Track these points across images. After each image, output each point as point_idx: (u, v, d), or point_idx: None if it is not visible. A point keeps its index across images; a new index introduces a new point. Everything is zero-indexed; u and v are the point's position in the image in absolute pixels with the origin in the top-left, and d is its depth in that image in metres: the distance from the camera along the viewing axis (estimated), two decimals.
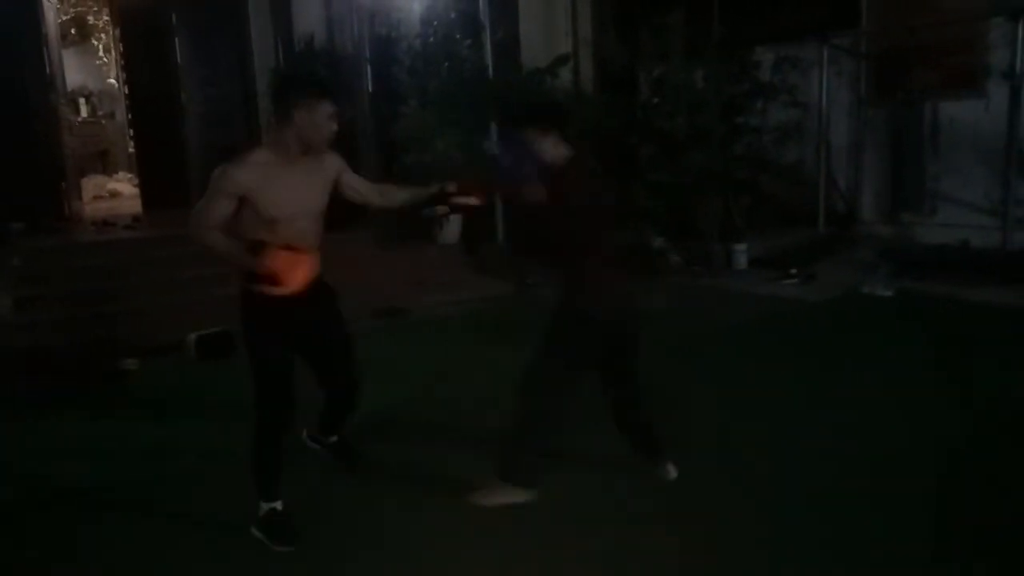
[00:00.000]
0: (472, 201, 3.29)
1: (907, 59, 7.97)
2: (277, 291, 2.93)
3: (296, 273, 2.96)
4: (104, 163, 12.04)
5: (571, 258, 3.12)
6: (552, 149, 3.13)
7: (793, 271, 7.08)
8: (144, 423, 4.43)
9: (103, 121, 12.55)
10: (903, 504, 3.13)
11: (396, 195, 3.46)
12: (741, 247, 7.55)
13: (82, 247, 7.05)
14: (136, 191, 9.62)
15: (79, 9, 12.42)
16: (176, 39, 8.55)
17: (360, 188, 3.33)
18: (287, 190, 2.93)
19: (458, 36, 8.11)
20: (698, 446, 3.72)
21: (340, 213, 3.30)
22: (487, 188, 3.36)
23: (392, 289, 6.80)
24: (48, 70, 8.00)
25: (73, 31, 12.51)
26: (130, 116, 9.77)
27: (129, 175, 11.13)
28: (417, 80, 8.07)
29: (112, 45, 11.97)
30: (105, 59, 12.79)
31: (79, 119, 12.01)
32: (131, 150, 10.35)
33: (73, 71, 11.57)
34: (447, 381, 4.88)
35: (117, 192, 10.98)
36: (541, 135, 3.13)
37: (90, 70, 12.93)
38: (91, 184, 10.82)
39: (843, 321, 5.92)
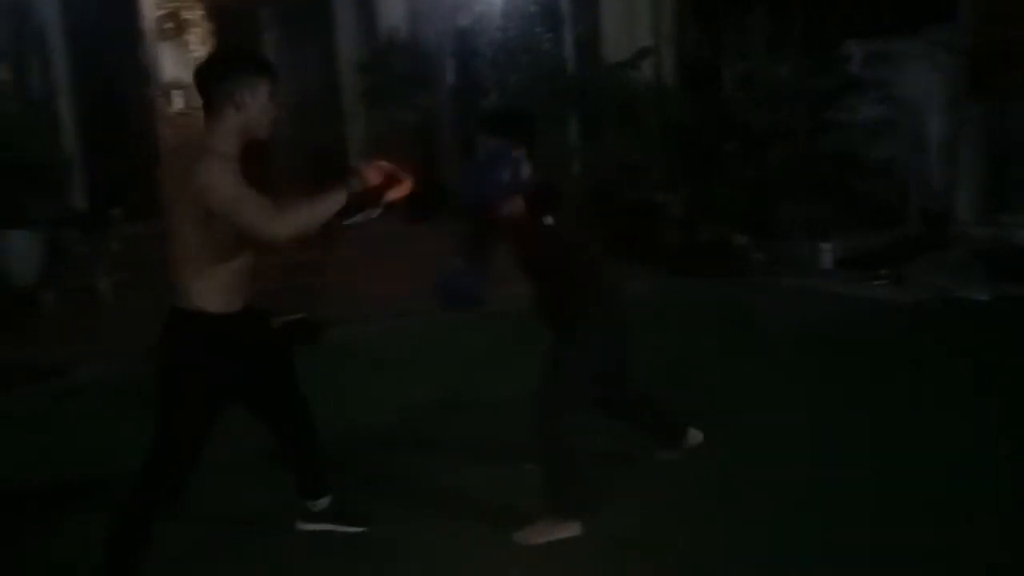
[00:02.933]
0: (401, 189, 2.63)
1: (1007, 53, 7.59)
2: (401, 193, 2.56)
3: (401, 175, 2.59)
4: None
5: (565, 276, 3.03)
6: (524, 164, 2.95)
7: (882, 272, 6.84)
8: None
9: (195, 113, 13.00)
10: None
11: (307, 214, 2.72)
12: (827, 246, 7.32)
13: None
14: None
15: (175, 4, 12.87)
16: (264, 34, 8.80)
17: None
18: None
19: (538, 30, 8.10)
20: (777, 451, 3.64)
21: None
22: (412, 164, 2.76)
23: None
24: (145, 63, 8.34)
25: (169, 25, 12.98)
26: None
27: None
28: (497, 73, 8.10)
29: (205, 39, 12.37)
30: (198, 53, 13.23)
31: (173, 111, 12.45)
32: None
33: (168, 64, 12.01)
34: (498, 377, 4.80)
35: None
36: (514, 147, 2.92)
37: (185, 63, 13.39)
38: None
39: (934, 325, 5.69)
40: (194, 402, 2.55)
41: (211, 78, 2.51)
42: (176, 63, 13.08)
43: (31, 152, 6.23)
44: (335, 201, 2.47)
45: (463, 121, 8.15)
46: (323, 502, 3.02)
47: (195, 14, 12.82)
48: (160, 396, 2.55)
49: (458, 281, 3.04)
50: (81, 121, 7.43)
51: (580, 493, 3.00)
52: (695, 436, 3.56)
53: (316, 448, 2.98)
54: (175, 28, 13.18)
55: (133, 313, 5.70)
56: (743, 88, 7.96)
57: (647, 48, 8.42)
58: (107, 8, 7.87)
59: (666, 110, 7.80)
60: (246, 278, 2.61)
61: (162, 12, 12.10)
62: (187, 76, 12.96)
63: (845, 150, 7.96)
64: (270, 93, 2.53)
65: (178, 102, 12.99)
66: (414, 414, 4.32)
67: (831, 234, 7.42)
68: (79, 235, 6.73)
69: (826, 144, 7.88)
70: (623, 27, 8.76)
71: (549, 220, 2.91)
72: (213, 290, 2.51)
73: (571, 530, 2.95)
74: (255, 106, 2.49)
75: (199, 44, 13.12)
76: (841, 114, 7.90)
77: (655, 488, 3.34)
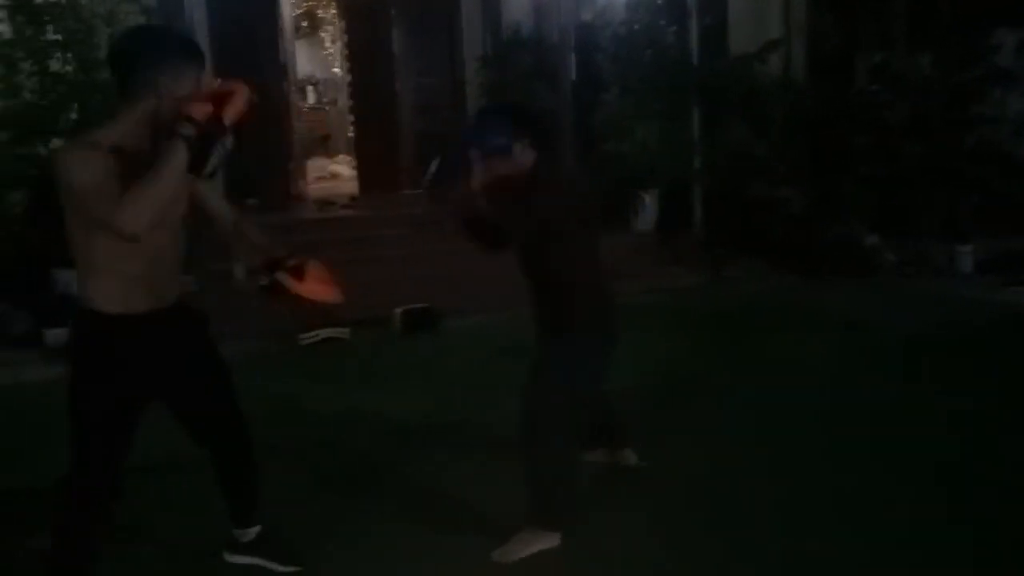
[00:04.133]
0: (236, 101, 2.19)
1: None
2: (238, 105, 2.19)
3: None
4: (326, 147, 12.98)
5: (562, 262, 2.85)
6: (522, 156, 2.80)
7: None
8: (345, 388, 4.78)
9: (327, 108, 13.53)
10: None
11: (249, 233, 2.66)
12: (966, 248, 6.89)
13: (305, 223, 7.69)
14: (354, 173, 10.30)
15: (310, 3, 13.44)
16: (394, 30, 9.07)
17: (215, 202, 2.56)
18: None
19: (663, 23, 8.00)
20: (901, 465, 3.48)
21: None
22: (335, 284, 2.58)
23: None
24: (282, 60, 8.76)
25: (304, 23, 13.56)
26: (351, 103, 10.48)
27: (348, 158, 11.93)
28: (620, 68, 8.05)
29: (337, 37, 12.85)
30: (331, 50, 13.76)
31: (306, 106, 13.01)
32: (350, 135, 11.08)
33: (303, 60, 12.57)
34: (612, 371, 4.78)
35: (337, 174, 11.80)
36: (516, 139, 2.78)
37: (317, 60, 13.97)
38: (314, 166, 11.69)
39: None
40: (91, 410, 2.28)
41: (128, 59, 2.20)
42: (310, 60, 13.71)
43: None
44: (173, 159, 2.07)
45: (582, 116, 8.14)
46: (252, 531, 2.76)
47: (329, 12, 13.37)
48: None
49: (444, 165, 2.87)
50: None
51: (567, 502, 2.88)
52: (631, 456, 3.45)
53: (248, 470, 2.68)
54: (310, 26, 13.79)
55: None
56: (878, 80, 7.61)
57: (776, 40, 8.17)
58: (249, 8, 8.30)
59: (793, 103, 7.54)
60: (159, 275, 2.30)
61: (299, 11, 12.69)
62: (320, 72, 13.60)
63: (990, 147, 7.48)
64: (199, 81, 2.24)
65: (311, 97, 13.61)
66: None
67: (971, 236, 6.99)
68: None
69: (969, 140, 7.43)
70: (751, 18, 8.52)
71: (537, 200, 2.73)
72: (108, 288, 2.23)
73: (551, 541, 2.84)
74: (172, 93, 2.16)
75: (332, 41, 13.68)
76: (987, 108, 7.43)
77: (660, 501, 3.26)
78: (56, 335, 5.66)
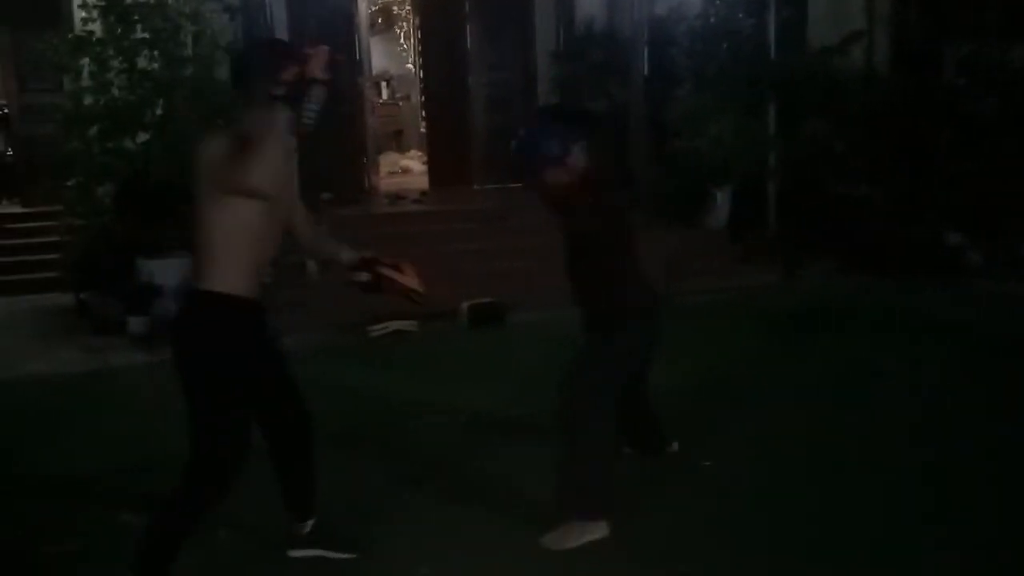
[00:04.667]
0: (404, 282, 2.72)
1: None
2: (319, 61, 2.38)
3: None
4: (398, 142, 13.16)
5: (608, 260, 2.98)
6: (578, 160, 2.92)
7: None
8: (413, 380, 4.84)
9: (400, 103, 13.71)
10: None
11: (323, 240, 2.93)
12: None
13: (377, 217, 7.81)
14: (424, 168, 10.41)
15: (386, 0, 13.63)
16: (468, 26, 9.11)
17: (299, 216, 2.73)
18: (279, 172, 2.37)
19: (740, 15, 7.85)
20: (977, 475, 3.35)
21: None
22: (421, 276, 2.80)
23: (649, 273, 6.77)
24: (358, 56, 8.91)
25: (380, 20, 13.76)
26: (423, 99, 10.59)
27: (419, 153, 12.07)
28: (694, 62, 7.93)
29: (411, 33, 13.01)
30: (405, 46, 13.93)
31: (380, 101, 13.20)
32: (422, 130, 11.21)
33: (377, 56, 12.75)
34: (680, 370, 4.64)
35: (408, 169, 11.95)
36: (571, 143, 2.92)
37: (391, 56, 14.16)
38: (386, 161, 11.86)
39: None
40: (228, 388, 2.42)
41: (242, 68, 2.48)
42: (384, 56, 13.91)
43: None
44: (272, 118, 2.28)
45: (655, 111, 8.05)
46: (310, 524, 2.82)
47: (404, 8, 13.54)
48: (188, 386, 2.41)
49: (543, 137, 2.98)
50: None
51: (607, 492, 2.91)
52: (673, 446, 3.49)
53: (308, 464, 2.75)
54: (385, 22, 13.99)
55: (335, 289, 6.14)
56: (967, 72, 7.31)
57: (858, 31, 7.94)
58: (327, 5, 8.46)
59: (875, 97, 7.30)
60: (263, 264, 2.48)
61: (374, 7, 12.89)
62: (394, 68, 13.76)
63: None
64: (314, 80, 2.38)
65: (384, 93, 13.81)
66: None
67: None
68: None
69: None
70: (832, 10, 8.30)
71: (598, 204, 2.89)
72: (239, 272, 2.40)
73: (601, 531, 2.86)
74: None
75: (406, 37, 13.85)
76: None
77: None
78: (139, 323, 5.91)
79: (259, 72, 2.38)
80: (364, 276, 2.76)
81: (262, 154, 2.23)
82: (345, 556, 2.84)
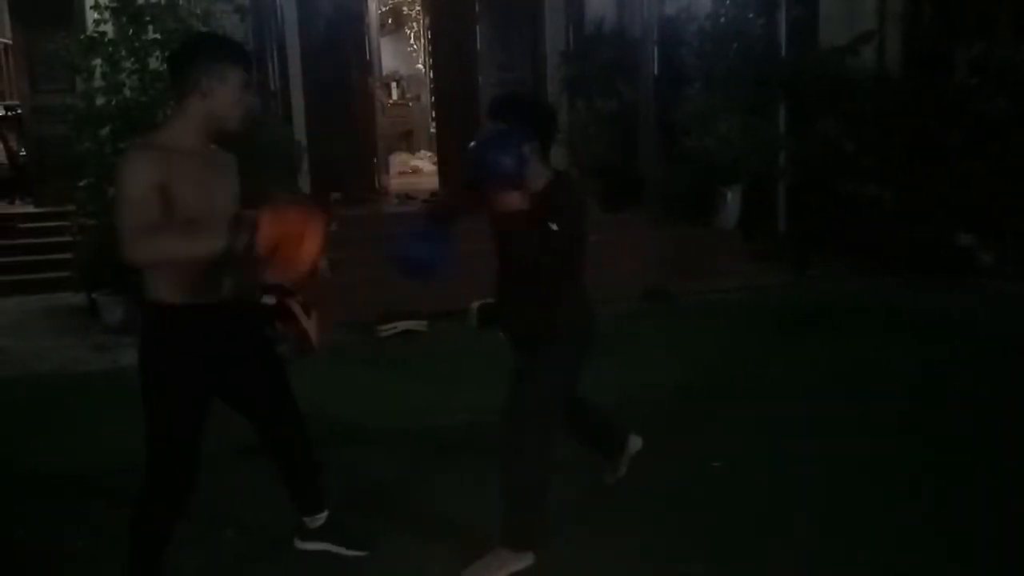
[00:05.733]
0: (303, 325, 2.60)
1: None
2: (282, 274, 2.28)
3: (305, 244, 2.20)
4: (408, 142, 13.18)
5: (556, 279, 2.71)
6: (533, 161, 2.62)
7: None
8: (420, 379, 4.85)
9: (410, 104, 13.74)
10: None
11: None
12: None
13: (387, 217, 7.83)
14: (434, 169, 10.43)
15: (396, 0, 13.66)
16: (478, 26, 9.12)
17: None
18: (199, 186, 2.26)
19: (751, 15, 7.83)
20: (992, 473, 3.33)
21: (616, 192, 3.25)
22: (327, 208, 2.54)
23: (661, 271, 6.78)
24: (368, 56, 8.93)
25: (390, 20, 13.79)
26: (433, 99, 10.60)
27: (429, 154, 12.08)
28: (704, 61, 7.92)
29: (421, 33, 13.03)
30: (415, 46, 13.96)
31: (390, 101, 13.23)
32: (432, 131, 11.22)
33: (387, 57, 12.79)
34: (690, 370, 4.74)
35: (418, 169, 11.97)
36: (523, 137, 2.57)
37: (402, 56, 14.19)
38: (397, 161, 11.88)
39: None
40: (166, 398, 2.37)
41: (179, 64, 2.33)
42: (394, 56, 13.94)
43: (268, 140, 6.85)
44: (205, 246, 2.16)
45: (664, 111, 8.04)
46: (320, 518, 2.83)
47: (414, 9, 13.57)
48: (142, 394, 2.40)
49: (416, 247, 2.76)
50: (309, 111, 8.07)
51: (541, 521, 2.78)
52: (635, 443, 3.29)
53: (307, 460, 2.74)
54: (395, 23, 14.02)
55: (347, 288, 6.17)
56: (978, 72, 7.27)
57: (869, 31, 7.91)
58: (337, 5, 8.49)
59: (886, 96, 7.27)
60: (221, 268, 2.30)
61: (384, 8, 12.92)
62: (404, 68, 13.77)
63: None
64: (243, 82, 2.33)
65: (394, 93, 13.84)
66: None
67: None
68: None
69: None
70: (843, 9, 8.27)
71: (552, 225, 2.55)
72: (173, 279, 2.29)
73: (525, 561, 2.74)
74: (223, 95, 2.29)
75: (416, 38, 13.89)
76: None
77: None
78: None
79: (199, 72, 2.27)
80: (271, 300, 2.64)
81: (163, 249, 2.17)
82: (354, 553, 2.84)
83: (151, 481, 2.42)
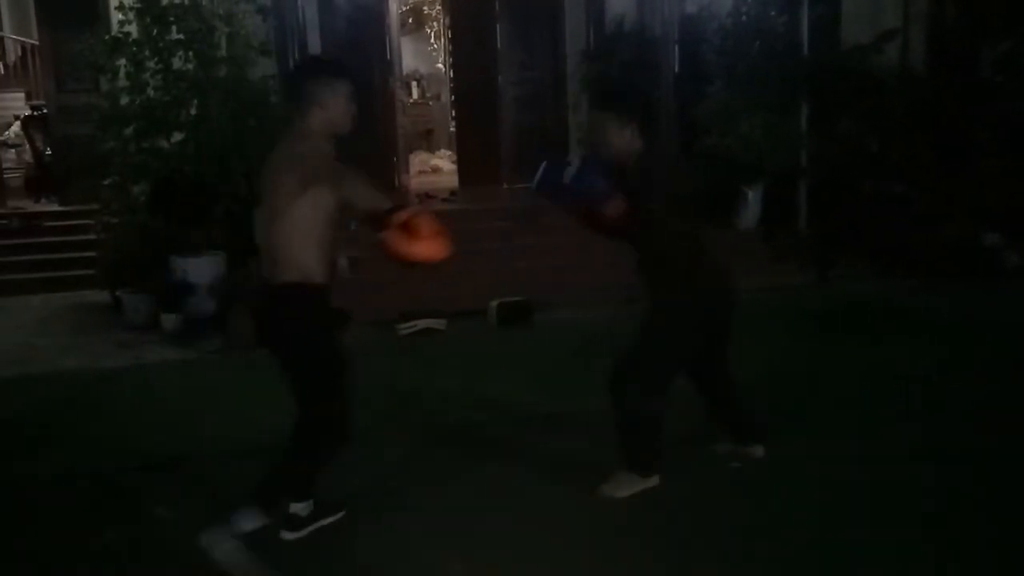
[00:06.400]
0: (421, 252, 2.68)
1: None
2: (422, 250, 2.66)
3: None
4: (428, 141, 13.20)
5: (669, 249, 3.06)
6: (628, 143, 2.99)
7: None
8: (440, 376, 4.86)
9: (430, 103, 13.76)
10: None
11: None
12: None
13: None
14: (454, 167, 10.44)
15: (417, 0, 13.69)
16: (498, 25, 9.12)
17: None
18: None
19: (773, 13, 7.78)
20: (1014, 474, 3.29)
21: None
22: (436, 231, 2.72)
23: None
24: (388, 55, 8.97)
25: (410, 20, 13.82)
26: (453, 98, 10.62)
27: (449, 152, 12.09)
28: (726, 60, 7.87)
29: (442, 32, 13.04)
30: (435, 45, 13.98)
31: (410, 100, 13.26)
32: (452, 130, 11.23)
33: (408, 56, 12.81)
34: None
35: (438, 168, 11.98)
36: (619, 125, 2.98)
37: (422, 56, 14.21)
38: (417, 160, 11.90)
39: None
40: (332, 361, 2.82)
41: (298, 82, 2.80)
42: (415, 55, 13.96)
43: None
44: (384, 202, 2.67)
45: (684, 109, 8.01)
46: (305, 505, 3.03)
47: (434, 9, 13.59)
48: (289, 369, 2.80)
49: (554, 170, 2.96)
50: None
51: (658, 450, 3.17)
52: (758, 450, 3.46)
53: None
54: (415, 22, 14.05)
55: (365, 286, 6.20)
56: (1004, 70, 7.18)
57: (893, 29, 7.82)
58: (358, 6, 8.53)
59: (910, 95, 7.19)
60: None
61: (405, 7, 12.95)
62: (424, 67, 13.79)
63: None
64: (350, 93, 2.74)
65: (415, 92, 13.87)
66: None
67: None
68: None
69: None
70: (867, 7, 8.20)
71: (651, 209, 2.93)
72: (324, 263, 2.74)
73: (652, 482, 3.17)
74: (335, 105, 2.71)
75: (436, 37, 13.90)
76: None
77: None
78: (172, 320, 5.99)
79: (313, 88, 2.70)
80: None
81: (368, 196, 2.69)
82: (335, 518, 3.02)
83: (316, 433, 2.83)
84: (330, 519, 3.01)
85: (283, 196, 2.66)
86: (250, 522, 2.77)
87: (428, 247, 2.69)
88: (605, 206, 2.88)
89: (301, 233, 2.66)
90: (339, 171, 2.68)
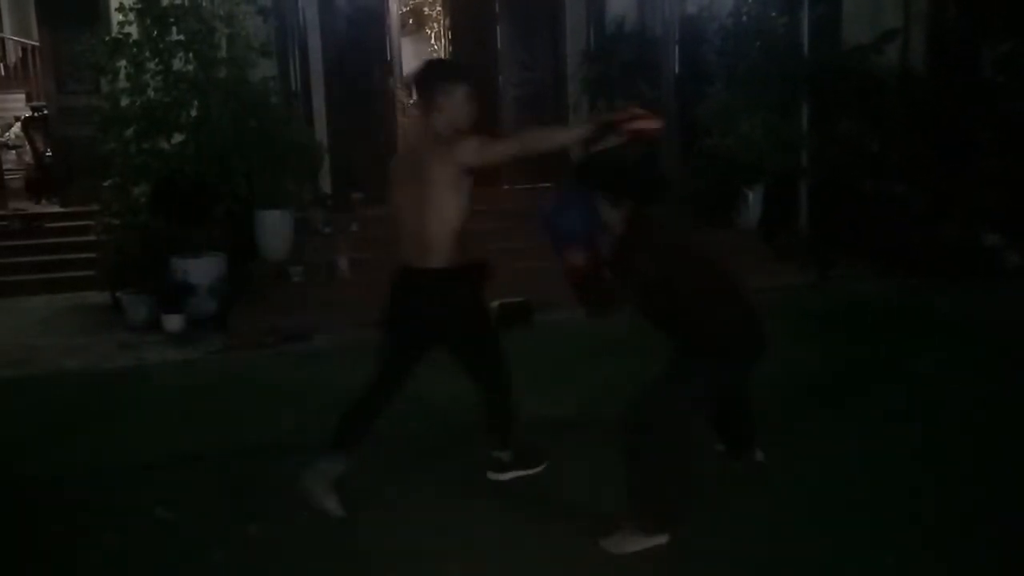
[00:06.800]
0: (650, 124, 2.79)
1: None
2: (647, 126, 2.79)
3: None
4: None
5: (680, 313, 2.83)
6: (619, 222, 2.83)
7: None
8: (442, 377, 4.83)
9: None
10: None
11: (543, 137, 3.19)
12: None
13: None
14: None
15: (417, 1, 13.69)
16: (498, 26, 9.13)
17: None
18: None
19: (773, 14, 7.78)
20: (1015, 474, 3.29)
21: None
22: (659, 112, 2.93)
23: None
24: (389, 57, 8.97)
25: (411, 21, 13.83)
26: None
27: None
28: (726, 60, 7.88)
29: (442, 33, 13.04)
30: (435, 46, 13.98)
31: (411, 101, 13.26)
32: None
33: (408, 57, 12.81)
34: None
35: None
36: (610, 204, 2.82)
37: (422, 57, 14.22)
38: None
39: None
40: (475, 334, 3.36)
41: (422, 86, 3.08)
42: (415, 56, 13.96)
43: (290, 140, 6.89)
44: (570, 136, 2.93)
45: (685, 110, 8.01)
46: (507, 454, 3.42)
47: (435, 10, 13.60)
48: (451, 342, 3.34)
49: (563, 214, 2.86)
50: (331, 111, 8.11)
51: (677, 505, 2.87)
52: (757, 454, 3.40)
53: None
54: (416, 23, 14.05)
55: (367, 287, 6.19)
56: (1005, 71, 7.18)
57: (894, 29, 7.83)
58: (358, 7, 8.53)
59: (910, 96, 7.19)
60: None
61: (405, 8, 12.95)
62: None
63: None
64: (467, 95, 3.01)
65: (415, 94, 13.88)
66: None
67: None
68: (325, 216, 7.37)
69: None
70: (867, 7, 8.20)
71: (639, 265, 2.80)
72: (456, 249, 3.06)
73: (660, 539, 2.83)
74: (451, 106, 2.99)
75: (437, 38, 13.91)
76: None
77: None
78: (173, 320, 6.00)
79: (433, 92, 3.02)
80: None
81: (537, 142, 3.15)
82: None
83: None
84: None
85: (426, 188, 2.99)
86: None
87: (649, 121, 2.83)
88: (568, 252, 2.80)
89: (443, 221, 3.01)
90: (469, 147, 2.95)
